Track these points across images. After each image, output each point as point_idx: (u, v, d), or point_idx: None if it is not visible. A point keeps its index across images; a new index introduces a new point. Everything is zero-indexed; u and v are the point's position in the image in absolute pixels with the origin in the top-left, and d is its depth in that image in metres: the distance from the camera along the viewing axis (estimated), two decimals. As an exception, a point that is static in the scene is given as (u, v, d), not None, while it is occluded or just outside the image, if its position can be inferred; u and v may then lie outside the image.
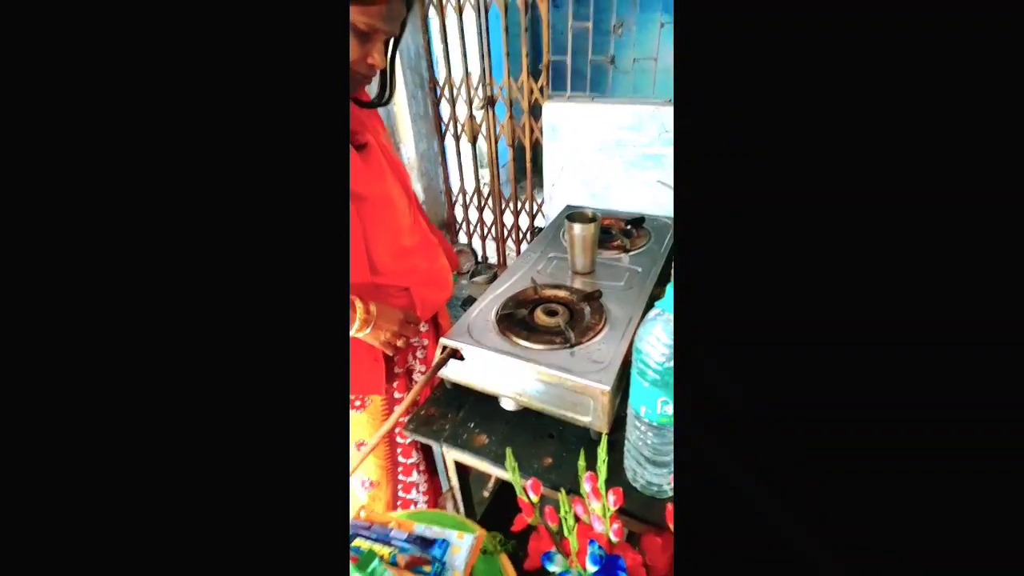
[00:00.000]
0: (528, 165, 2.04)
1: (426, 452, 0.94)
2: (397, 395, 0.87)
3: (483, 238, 2.39)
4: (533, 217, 2.19)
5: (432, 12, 1.94)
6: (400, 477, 0.92)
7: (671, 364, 0.48)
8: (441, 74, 2.07)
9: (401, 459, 0.91)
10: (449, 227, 2.46)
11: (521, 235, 2.27)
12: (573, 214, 0.87)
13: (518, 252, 2.31)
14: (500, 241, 2.33)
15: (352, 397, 0.82)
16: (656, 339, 0.49)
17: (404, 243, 0.79)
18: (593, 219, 0.85)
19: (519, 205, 2.20)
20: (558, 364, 0.65)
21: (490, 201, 2.27)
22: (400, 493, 0.93)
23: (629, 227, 1.01)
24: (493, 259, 2.44)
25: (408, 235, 0.80)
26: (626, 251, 0.93)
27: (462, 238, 2.46)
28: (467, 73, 1.99)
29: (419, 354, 0.90)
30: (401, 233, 0.79)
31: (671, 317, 0.48)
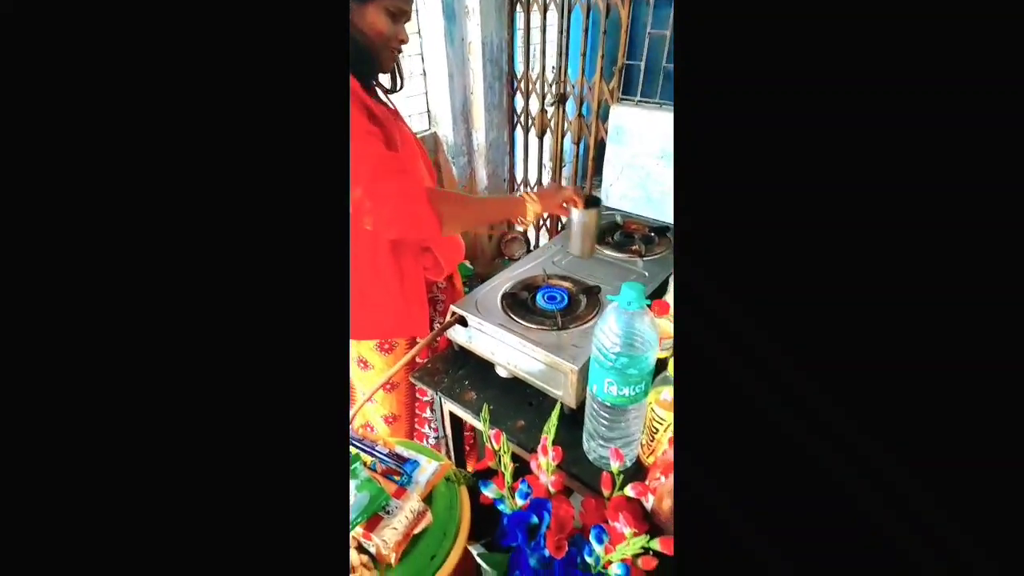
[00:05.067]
0: (591, 164, 2.10)
1: None
2: (419, 339, 1.00)
3: (536, 227, 2.49)
4: (587, 214, 2.26)
5: (519, 8, 2.03)
6: (416, 411, 1.09)
7: (619, 350, 0.56)
8: (519, 68, 2.17)
9: (418, 396, 1.08)
10: (508, 213, 2.59)
11: (574, 230, 2.34)
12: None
13: (568, 246, 2.38)
14: (552, 232, 2.42)
15: (382, 340, 0.96)
16: (609, 329, 0.57)
17: None
18: (595, 204, 0.92)
19: (576, 201, 2.26)
20: (543, 342, 0.75)
21: (549, 194, 2.36)
22: (416, 426, 1.11)
23: (652, 234, 1.06)
24: (545, 250, 2.53)
25: None
26: (641, 256, 0.99)
27: (518, 226, 2.58)
28: (544, 69, 2.07)
29: (439, 308, 1.08)
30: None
31: (624, 312, 0.56)
